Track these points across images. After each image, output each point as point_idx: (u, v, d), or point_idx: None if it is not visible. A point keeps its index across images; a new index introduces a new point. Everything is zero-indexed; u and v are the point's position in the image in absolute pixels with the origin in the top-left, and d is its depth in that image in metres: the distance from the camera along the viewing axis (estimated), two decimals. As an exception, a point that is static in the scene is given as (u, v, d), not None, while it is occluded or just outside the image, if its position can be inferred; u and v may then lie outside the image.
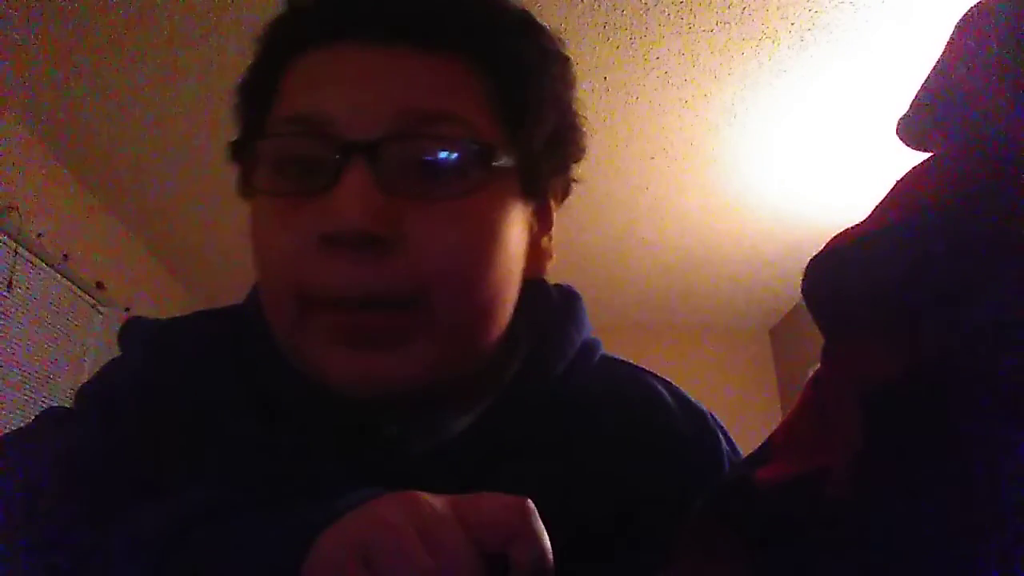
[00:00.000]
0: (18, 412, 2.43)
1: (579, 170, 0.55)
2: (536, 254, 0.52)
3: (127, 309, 2.98)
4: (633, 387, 0.56)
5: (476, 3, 0.48)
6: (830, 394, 0.36)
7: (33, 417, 0.53)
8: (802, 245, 3.11)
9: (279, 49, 0.48)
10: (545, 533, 0.32)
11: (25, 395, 2.49)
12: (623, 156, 2.58)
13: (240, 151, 0.49)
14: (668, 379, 0.59)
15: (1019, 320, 0.28)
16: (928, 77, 0.35)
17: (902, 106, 0.36)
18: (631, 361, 0.59)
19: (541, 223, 0.52)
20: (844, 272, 0.34)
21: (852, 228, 0.35)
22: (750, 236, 3.14)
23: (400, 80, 0.44)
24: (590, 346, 0.55)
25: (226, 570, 0.35)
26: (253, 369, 0.49)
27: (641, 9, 1.94)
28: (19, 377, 2.46)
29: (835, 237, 0.36)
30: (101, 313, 2.94)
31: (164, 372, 0.50)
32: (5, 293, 2.36)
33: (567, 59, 0.52)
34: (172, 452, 0.47)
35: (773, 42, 2.04)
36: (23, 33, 2.01)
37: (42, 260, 2.54)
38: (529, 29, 0.50)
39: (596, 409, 0.52)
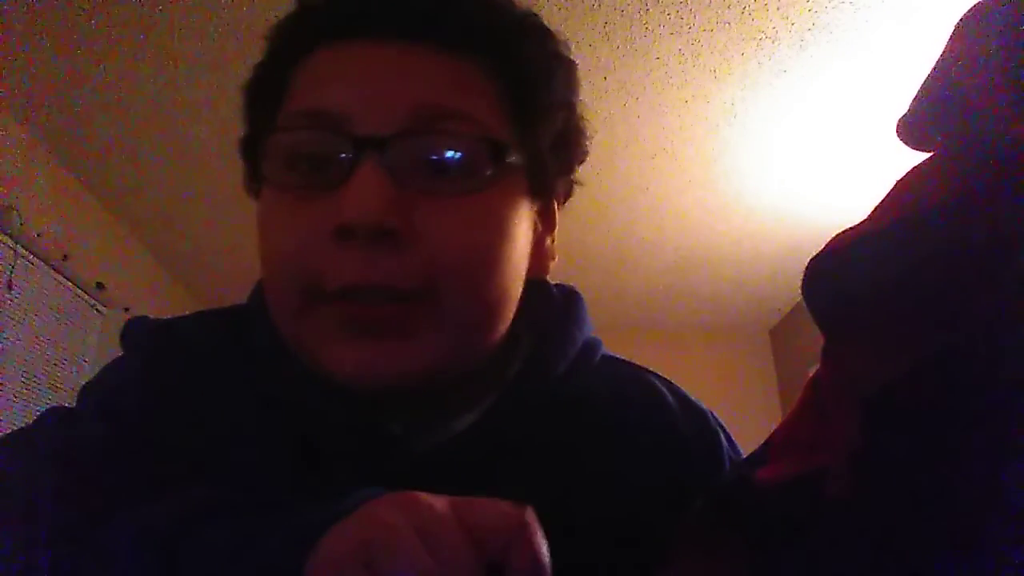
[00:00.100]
0: (18, 412, 2.43)
1: (580, 170, 0.56)
2: (540, 254, 0.52)
3: (127, 309, 2.98)
4: (634, 386, 0.56)
5: (486, 4, 0.49)
6: (830, 394, 0.37)
7: (33, 417, 0.53)
8: (802, 245, 3.11)
9: (291, 46, 0.49)
10: (544, 543, 0.32)
11: (25, 395, 2.49)
12: (623, 156, 2.58)
13: (249, 147, 0.49)
14: (669, 379, 0.59)
15: (1018, 320, 0.28)
16: (928, 77, 0.35)
17: (902, 106, 0.36)
18: (632, 361, 0.59)
19: (545, 223, 0.53)
20: (844, 272, 0.34)
21: (852, 228, 0.35)
22: (750, 236, 3.14)
23: (413, 77, 0.45)
24: (591, 345, 0.55)
25: (227, 571, 0.35)
26: (255, 368, 0.49)
27: (641, 9, 1.94)
28: (19, 377, 2.46)
29: (835, 237, 0.36)
30: (101, 313, 2.94)
31: (164, 371, 0.50)
32: (5, 293, 2.36)
33: (573, 63, 0.52)
34: (173, 451, 0.47)
35: (773, 42, 2.04)
36: (23, 33, 2.01)
37: (42, 260, 2.55)
38: (538, 32, 0.51)
39: (597, 408, 0.52)
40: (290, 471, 0.46)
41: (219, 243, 3.21)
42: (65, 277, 2.69)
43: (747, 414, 2.52)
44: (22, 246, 2.41)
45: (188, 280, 3.66)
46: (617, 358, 0.58)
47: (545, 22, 0.51)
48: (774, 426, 0.44)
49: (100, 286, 2.87)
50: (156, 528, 0.37)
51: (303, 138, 0.45)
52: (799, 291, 0.37)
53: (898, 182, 0.35)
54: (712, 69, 2.15)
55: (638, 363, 0.60)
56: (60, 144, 2.54)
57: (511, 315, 0.49)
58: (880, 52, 2.05)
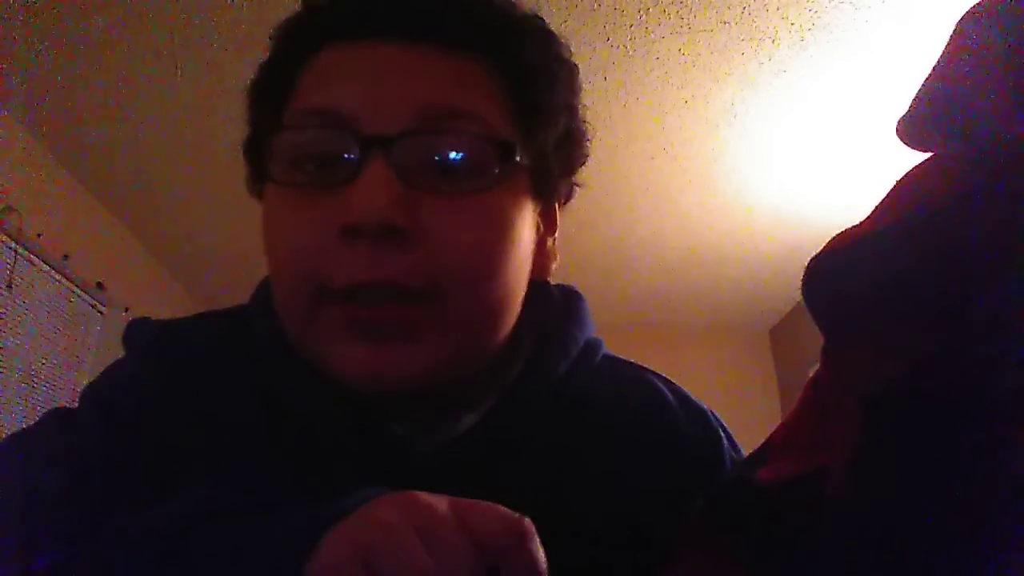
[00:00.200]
0: (18, 412, 2.43)
1: (580, 171, 0.56)
2: (542, 255, 0.52)
3: (127, 309, 2.97)
4: (635, 386, 0.56)
5: (492, 5, 0.49)
6: (830, 394, 0.37)
7: (33, 416, 0.53)
8: (802, 245, 3.10)
9: (296, 46, 0.49)
10: (542, 553, 0.32)
11: (25, 395, 2.49)
12: (623, 156, 2.58)
13: (253, 147, 0.49)
14: (669, 378, 0.59)
15: (1018, 319, 0.28)
16: (928, 77, 0.35)
17: (902, 106, 0.36)
18: (632, 361, 0.59)
19: (547, 224, 0.53)
20: (844, 272, 0.34)
21: (852, 228, 0.35)
22: (750, 236, 3.14)
23: (420, 77, 0.45)
24: (592, 346, 0.55)
25: (227, 571, 0.35)
26: (257, 368, 0.49)
27: (641, 9, 1.94)
28: (19, 377, 2.46)
29: (835, 237, 0.36)
30: (101, 313, 2.94)
31: (165, 372, 0.50)
32: (5, 293, 2.36)
33: (575, 66, 0.53)
34: (173, 452, 0.47)
35: (773, 42, 2.04)
36: (23, 33, 2.01)
37: (42, 260, 2.54)
38: (541, 33, 0.51)
39: (598, 408, 0.52)
40: (291, 472, 0.46)
41: (219, 243, 3.21)
42: (65, 277, 2.68)
43: (747, 414, 2.52)
44: (22, 246, 2.41)
45: (188, 280, 3.66)
46: (618, 358, 0.58)
47: (546, 22, 0.52)
48: (774, 426, 0.44)
49: (100, 286, 2.87)
50: (156, 529, 0.37)
51: (310, 137, 0.45)
52: (799, 291, 0.37)
53: (898, 182, 0.35)
54: (712, 69, 2.15)
55: (638, 363, 0.60)
56: (60, 144, 2.54)
57: (514, 316, 0.49)
58: (880, 52, 2.05)
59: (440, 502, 0.33)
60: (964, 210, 0.30)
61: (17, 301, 2.43)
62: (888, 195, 0.35)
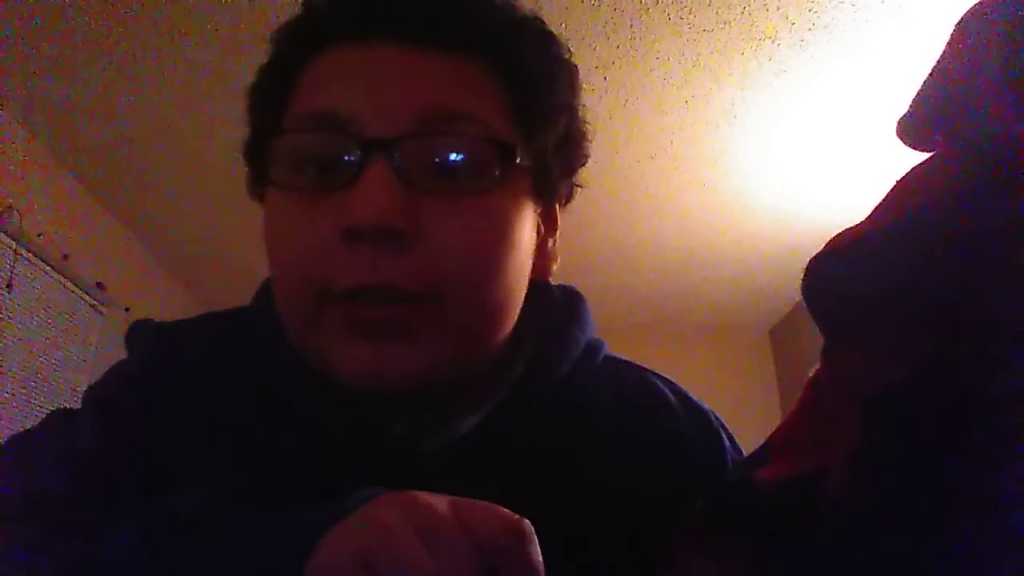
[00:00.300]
0: (18, 412, 2.43)
1: (580, 171, 0.56)
2: (542, 256, 0.52)
3: (127, 309, 2.98)
4: (636, 387, 0.56)
5: (492, 7, 0.49)
6: (830, 394, 0.37)
7: (34, 416, 0.54)
8: (802, 245, 3.10)
9: (296, 48, 0.49)
10: (540, 556, 0.32)
11: (25, 395, 2.49)
12: (623, 156, 2.58)
13: (253, 150, 0.49)
14: (670, 378, 0.59)
15: (1018, 320, 0.28)
16: (928, 77, 0.35)
17: (902, 106, 0.36)
18: (633, 361, 0.59)
19: (548, 225, 0.53)
20: (844, 272, 0.34)
21: (852, 228, 0.35)
22: (750, 236, 3.14)
23: (421, 79, 0.45)
24: (594, 346, 0.55)
25: (228, 571, 0.35)
26: (259, 369, 0.49)
27: (641, 9, 1.94)
28: (19, 377, 2.46)
29: (835, 237, 0.36)
30: (101, 313, 2.94)
31: (167, 373, 0.50)
32: (5, 293, 2.36)
33: (575, 66, 0.53)
34: (174, 453, 0.47)
35: (773, 42, 2.04)
36: (23, 33, 2.01)
37: (42, 260, 2.54)
38: (543, 36, 0.51)
39: (600, 409, 0.52)
40: (291, 472, 0.46)
41: (219, 243, 3.21)
42: (65, 277, 2.69)
43: (747, 414, 2.52)
44: (22, 246, 2.41)
45: (188, 280, 3.66)
46: (619, 359, 0.58)
47: (545, 23, 0.52)
48: (774, 426, 0.44)
49: (100, 286, 2.87)
50: (156, 529, 0.37)
51: (310, 140, 0.45)
52: (799, 291, 0.37)
53: (898, 182, 0.35)
54: (712, 69, 2.15)
55: (639, 363, 0.60)
56: (60, 144, 2.54)
57: (515, 317, 0.49)
58: (880, 52, 2.05)
59: (440, 502, 0.33)
60: (964, 210, 0.30)
61: (17, 301, 2.43)
62: (888, 195, 0.35)
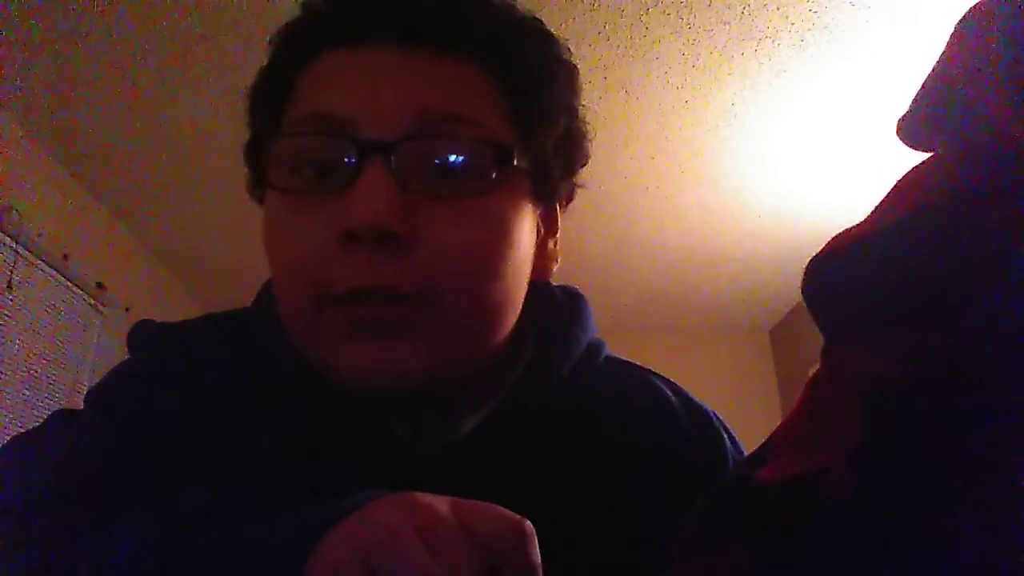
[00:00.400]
0: (18, 412, 2.43)
1: (580, 171, 0.56)
2: (542, 257, 0.52)
3: (127, 309, 2.98)
4: (637, 387, 0.56)
5: (490, 8, 0.49)
6: (830, 394, 0.36)
7: (33, 416, 0.54)
8: (802, 245, 3.11)
9: (295, 51, 0.49)
10: (539, 557, 0.32)
11: (25, 395, 2.49)
12: (623, 156, 2.58)
13: (253, 152, 0.49)
14: (671, 379, 0.59)
15: (1019, 319, 0.28)
16: (928, 77, 0.35)
17: (902, 106, 0.36)
18: (634, 361, 0.59)
19: (548, 226, 0.53)
20: (844, 272, 0.34)
21: (852, 228, 0.35)
22: (750, 236, 3.14)
23: (418, 82, 0.45)
24: (595, 347, 0.55)
25: (228, 572, 0.35)
26: (260, 370, 0.49)
27: (641, 9, 1.94)
28: (19, 377, 2.46)
29: (835, 237, 0.36)
30: (101, 313, 2.94)
31: (168, 373, 0.50)
32: (5, 293, 2.36)
33: (574, 67, 0.53)
34: (175, 453, 0.47)
35: (773, 42, 2.04)
36: (23, 33, 2.01)
37: (42, 260, 2.54)
38: (540, 35, 0.51)
39: (600, 409, 0.52)
40: (292, 473, 0.46)
41: (219, 243, 3.21)
42: (65, 277, 2.69)
43: (747, 414, 2.52)
44: (22, 246, 2.41)
45: (188, 280, 3.66)
46: (620, 359, 0.58)
47: (545, 23, 0.52)
48: (774, 426, 0.43)
49: (100, 286, 2.87)
50: (157, 529, 0.37)
51: (309, 143, 0.45)
52: (799, 291, 0.37)
53: (898, 182, 0.35)
54: (712, 69, 2.15)
55: (639, 363, 0.60)
56: (60, 144, 2.54)
57: (514, 318, 0.49)
58: (880, 52, 2.05)
59: (441, 503, 0.33)
60: (964, 210, 0.30)
61: (17, 301, 2.43)
62: (888, 195, 0.35)
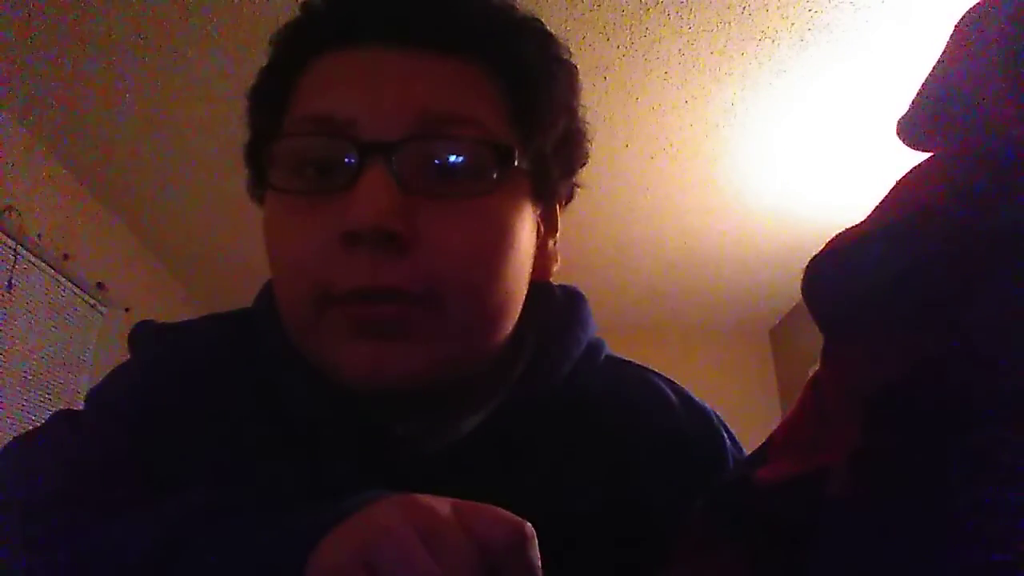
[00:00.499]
0: (18, 412, 2.43)
1: (580, 171, 0.56)
2: (543, 257, 0.52)
3: (127, 309, 2.97)
4: (638, 387, 0.56)
5: (490, 9, 0.49)
6: (830, 394, 0.37)
7: (33, 416, 0.54)
8: (802, 245, 3.10)
9: (296, 52, 0.49)
10: (539, 559, 0.32)
11: (25, 395, 2.49)
12: (623, 156, 2.58)
13: (253, 152, 0.49)
14: (672, 379, 0.59)
15: (1018, 319, 0.28)
16: (928, 77, 0.35)
17: (902, 106, 0.36)
18: (635, 361, 0.60)
19: (548, 226, 0.53)
20: (844, 272, 0.34)
21: (852, 228, 0.35)
22: (750, 236, 3.14)
23: (419, 83, 0.45)
24: (595, 346, 0.55)
25: (228, 572, 0.35)
26: (261, 371, 0.49)
27: (641, 9, 1.94)
28: (19, 377, 2.46)
29: (835, 237, 0.36)
30: (101, 313, 2.94)
31: (169, 374, 0.50)
32: (5, 293, 2.35)
33: (574, 67, 0.53)
34: (176, 453, 0.47)
35: (773, 42, 2.04)
36: (23, 33, 2.01)
37: (42, 260, 2.54)
38: (540, 35, 0.51)
39: (601, 409, 0.52)
40: (293, 473, 0.46)
41: (219, 243, 3.21)
42: (65, 277, 2.68)
43: (747, 414, 2.52)
44: (22, 246, 2.41)
45: (188, 280, 3.66)
46: (620, 359, 0.58)
47: (545, 23, 0.52)
48: (774, 426, 0.44)
49: (100, 286, 2.87)
50: (158, 530, 0.37)
51: (309, 143, 0.45)
52: (799, 291, 0.37)
53: (898, 182, 0.35)
54: (712, 69, 2.15)
55: (640, 363, 0.60)
56: (60, 144, 2.54)
57: (515, 318, 0.49)
58: (880, 52, 2.05)
59: (442, 505, 0.33)
60: (964, 210, 0.30)
61: (17, 301, 2.43)
62: (888, 195, 0.35)
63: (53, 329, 2.65)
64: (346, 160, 0.44)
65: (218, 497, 0.40)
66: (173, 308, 3.49)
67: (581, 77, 0.53)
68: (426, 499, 0.33)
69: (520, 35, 0.49)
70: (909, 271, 0.31)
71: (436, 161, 0.44)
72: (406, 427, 0.48)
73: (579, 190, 0.57)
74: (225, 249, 3.24)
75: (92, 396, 0.53)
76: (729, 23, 1.97)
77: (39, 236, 2.49)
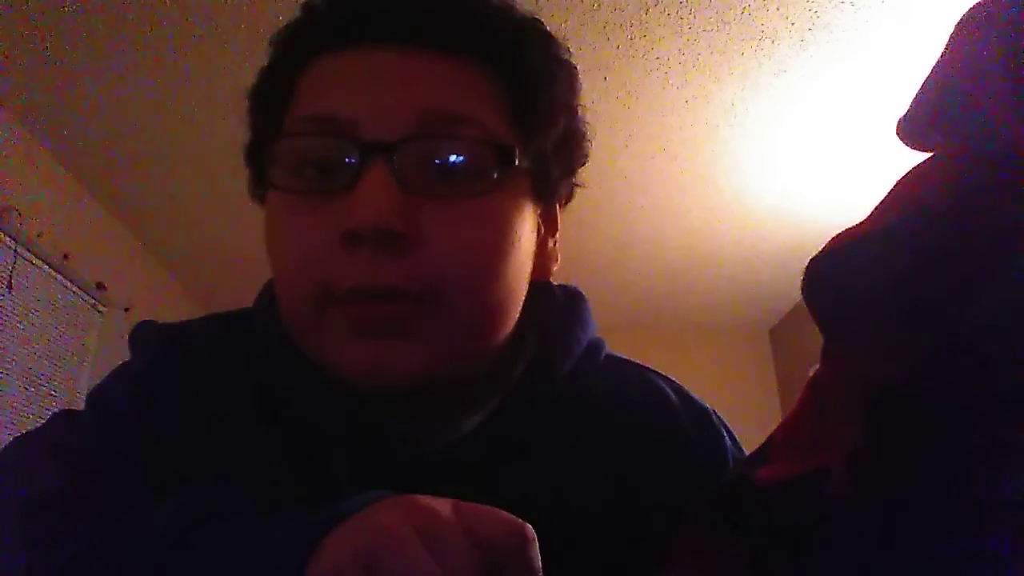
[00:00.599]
0: (18, 412, 2.43)
1: (580, 171, 0.56)
2: (543, 256, 0.52)
3: (127, 309, 2.98)
4: (638, 386, 0.56)
5: (490, 9, 0.49)
6: (830, 394, 0.37)
7: (33, 416, 0.54)
8: (802, 245, 3.11)
9: (296, 51, 0.49)
10: (540, 560, 0.32)
11: (25, 395, 2.49)
12: (623, 156, 2.58)
13: (254, 152, 0.49)
14: (672, 378, 0.59)
15: (1018, 319, 0.28)
16: (928, 77, 0.35)
17: (902, 106, 0.36)
18: (635, 360, 0.60)
19: (548, 226, 0.53)
20: (844, 272, 0.34)
21: (852, 228, 0.35)
22: (750, 236, 3.14)
23: (420, 82, 0.45)
24: (595, 346, 0.55)
25: (229, 572, 0.35)
26: (262, 370, 0.50)
27: (641, 9, 1.94)
28: (19, 377, 2.46)
29: (835, 237, 0.36)
30: (101, 313, 2.94)
31: (169, 374, 0.50)
32: (5, 293, 2.36)
33: (574, 67, 0.53)
34: (176, 453, 0.47)
35: (773, 42, 2.04)
36: (23, 33, 2.01)
37: (42, 260, 2.55)
38: (540, 36, 0.51)
39: (601, 408, 0.52)
40: (293, 474, 0.46)
41: (219, 243, 3.21)
42: (65, 277, 2.69)
43: (747, 414, 2.52)
44: (22, 246, 2.41)
45: (188, 280, 3.66)
46: (621, 358, 0.58)
47: (545, 23, 0.52)
48: (774, 426, 0.44)
49: (100, 286, 2.87)
50: (157, 529, 0.37)
51: (310, 143, 0.45)
52: (799, 291, 0.37)
53: (898, 182, 0.35)
54: (712, 69, 2.15)
55: (639, 362, 0.60)
56: (60, 144, 2.54)
57: (515, 317, 0.49)
58: (880, 52, 2.05)
59: (442, 505, 0.33)
60: (964, 210, 0.30)
61: (17, 301, 2.43)
62: (888, 195, 0.35)
63: (53, 329, 2.65)
64: (347, 160, 0.44)
65: (218, 497, 0.40)
66: (173, 308, 3.49)
67: (581, 77, 0.53)
68: (427, 500, 0.33)
69: (520, 35, 0.49)
70: (909, 271, 0.31)
71: (437, 161, 0.44)
72: (406, 427, 0.48)
73: (579, 190, 0.57)
74: (225, 249, 3.24)
75: (92, 396, 0.53)
76: (729, 23, 1.97)
77: (39, 236, 2.49)
